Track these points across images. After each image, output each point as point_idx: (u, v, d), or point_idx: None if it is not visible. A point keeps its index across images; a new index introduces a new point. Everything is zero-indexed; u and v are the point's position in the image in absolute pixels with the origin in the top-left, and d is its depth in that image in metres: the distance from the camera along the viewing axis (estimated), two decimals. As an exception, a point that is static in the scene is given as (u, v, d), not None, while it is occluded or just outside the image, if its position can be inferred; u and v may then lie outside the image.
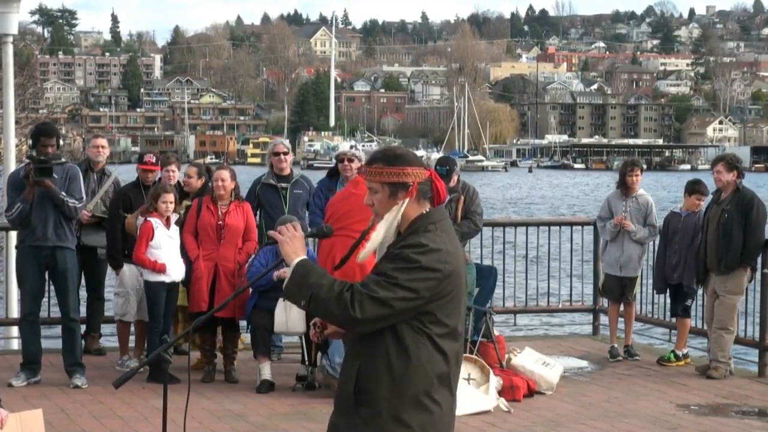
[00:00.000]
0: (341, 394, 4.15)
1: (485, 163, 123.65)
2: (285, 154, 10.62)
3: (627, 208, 10.81)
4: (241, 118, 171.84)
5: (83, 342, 10.16)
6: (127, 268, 9.93)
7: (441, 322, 4.03)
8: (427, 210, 4.10)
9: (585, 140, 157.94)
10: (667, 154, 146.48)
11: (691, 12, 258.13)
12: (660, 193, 62.01)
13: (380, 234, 4.08)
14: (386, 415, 3.99)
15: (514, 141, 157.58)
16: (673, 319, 11.01)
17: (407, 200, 4.06)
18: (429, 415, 4.01)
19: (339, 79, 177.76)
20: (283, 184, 10.49)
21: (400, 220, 4.08)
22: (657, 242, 10.99)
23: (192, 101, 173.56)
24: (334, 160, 10.28)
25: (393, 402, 3.99)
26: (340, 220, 8.49)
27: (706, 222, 10.22)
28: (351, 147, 10.41)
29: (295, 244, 4.10)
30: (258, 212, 10.53)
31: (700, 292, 10.80)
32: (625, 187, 10.86)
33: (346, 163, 9.85)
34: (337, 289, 3.94)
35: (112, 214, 10.11)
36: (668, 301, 11.03)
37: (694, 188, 10.67)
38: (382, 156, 4.12)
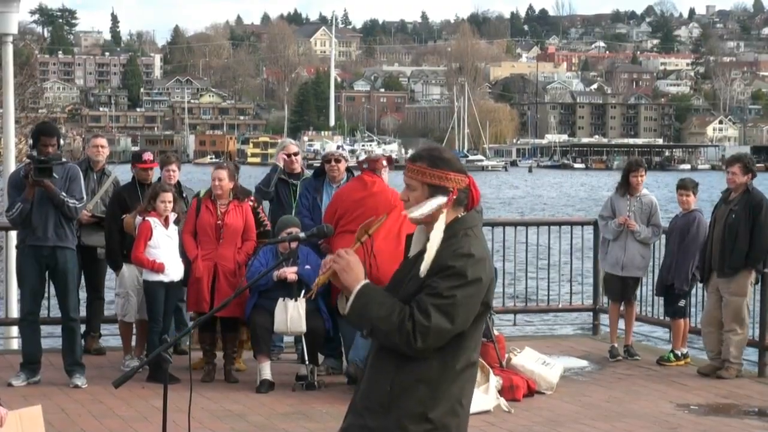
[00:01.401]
0: (373, 393, 4.05)
1: (485, 163, 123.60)
2: (296, 155, 10.71)
3: (631, 207, 10.80)
4: (241, 117, 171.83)
5: (83, 342, 10.16)
6: (127, 269, 9.92)
7: (475, 329, 4.05)
8: (462, 214, 4.09)
9: (585, 140, 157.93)
10: (667, 153, 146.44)
11: (691, 12, 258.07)
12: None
13: (433, 250, 4.00)
14: (420, 418, 3.97)
15: (514, 141, 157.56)
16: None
17: (447, 210, 4.03)
18: (457, 419, 4.03)
19: (339, 79, 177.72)
20: (294, 181, 10.53)
21: (429, 222, 4.06)
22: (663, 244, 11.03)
23: (192, 101, 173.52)
24: (320, 161, 10.34)
25: (427, 405, 3.98)
26: (354, 222, 8.57)
27: (713, 221, 10.22)
28: (338, 147, 10.49)
29: (355, 270, 4.01)
30: (270, 204, 10.57)
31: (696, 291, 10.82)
32: (628, 187, 10.85)
33: (333, 163, 9.93)
34: (397, 321, 3.90)
35: (109, 215, 10.10)
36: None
37: (677, 185, 10.69)
38: (427, 156, 4.09)
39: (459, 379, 4.02)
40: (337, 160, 9.98)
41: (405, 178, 4.12)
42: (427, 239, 4.10)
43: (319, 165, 10.26)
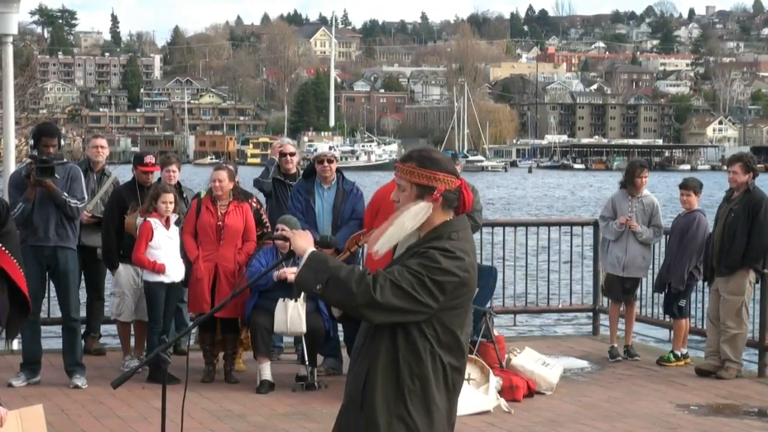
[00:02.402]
0: (350, 392, 4.16)
1: (485, 164, 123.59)
2: (292, 155, 10.70)
3: (632, 208, 10.81)
4: (241, 118, 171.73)
5: (83, 342, 10.16)
6: (123, 269, 9.92)
7: (450, 330, 4.08)
8: (451, 218, 4.13)
9: (585, 140, 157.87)
10: (666, 154, 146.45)
11: (691, 12, 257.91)
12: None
13: (403, 227, 4.06)
14: (391, 415, 4.03)
15: (514, 141, 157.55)
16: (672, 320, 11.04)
17: (433, 204, 4.07)
18: (430, 419, 4.06)
19: (339, 80, 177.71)
20: (291, 182, 10.54)
21: (422, 223, 4.10)
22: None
23: (192, 101, 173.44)
24: (311, 161, 10.33)
25: (398, 404, 4.03)
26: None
27: (715, 220, 10.26)
28: (330, 148, 10.49)
29: (306, 238, 4.14)
30: (267, 204, 10.57)
31: (698, 290, 10.82)
32: (632, 188, 10.85)
33: (326, 164, 9.94)
34: (358, 271, 3.98)
35: (107, 214, 10.10)
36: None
37: (679, 185, 10.73)
38: (417, 156, 4.15)
39: (433, 379, 4.05)
40: (330, 161, 9.98)
41: (395, 178, 4.19)
42: (418, 237, 4.13)
43: (308, 165, 10.24)
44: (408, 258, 4.03)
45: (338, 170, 10.11)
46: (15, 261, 7.93)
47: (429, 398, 4.05)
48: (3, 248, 7.91)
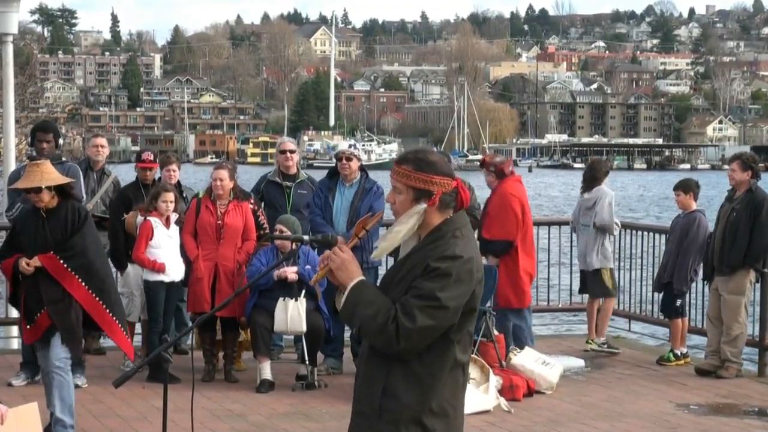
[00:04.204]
0: (365, 397, 4.10)
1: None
2: (291, 152, 10.63)
3: None
4: (241, 117, 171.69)
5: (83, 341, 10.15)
6: (131, 269, 9.93)
7: (464, 330, 4.08)
8: (450, 215, 4.10)
9: (585, 140, 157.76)
10: (666, 153, 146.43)
11: (691, 11, 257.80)
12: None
13: (401, 233, 4.05)
14: (410, 421, 4.01)
15: (514, 140, 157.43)
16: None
17: (428, 206, 4.04)
18: (447, 420, 4.06)
19: (339, 79, 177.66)
20: (288, 183, 10.48)
21: (420, 225, 4.08)
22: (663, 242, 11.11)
23: (192, 100, 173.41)
24: (334, 160, 10.31)
25: (417, 408, 4.01)
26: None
27: (717, 219, 10.28)
28: (350, 146, 10.47)
29: (349, 269, 4.05)
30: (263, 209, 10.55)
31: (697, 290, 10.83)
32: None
33: (344, 161, 9.91)
34: (381, 322, 3.94)
35: (114, 215, 10.09)
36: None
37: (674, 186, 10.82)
38: (413, 158, 4.10)
39: (448, 380, 4.05)
40: (348, 158, 9.94)
41: (391, 180, 4.13)
42: (418, 239, 4.11)
43: (333, 165, 10.22)
44: (422, 279, 3.97)
45: (363, 169, 10.09)
46: (79, 279, 7.67)
47: (446, 399, 4.05)
48: (66, 266, 7.71)
